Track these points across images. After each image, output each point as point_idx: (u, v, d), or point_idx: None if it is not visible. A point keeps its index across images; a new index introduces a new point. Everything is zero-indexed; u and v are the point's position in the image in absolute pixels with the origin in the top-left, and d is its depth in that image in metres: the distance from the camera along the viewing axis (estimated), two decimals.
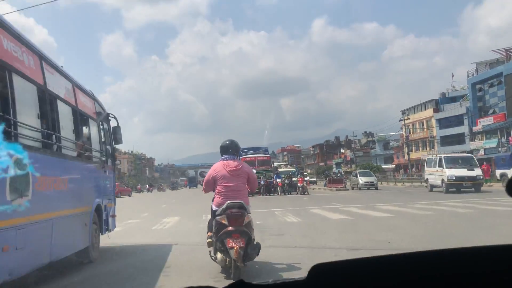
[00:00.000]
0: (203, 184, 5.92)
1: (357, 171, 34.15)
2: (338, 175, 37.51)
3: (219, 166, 5.73)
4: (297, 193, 28.13)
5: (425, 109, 58.87)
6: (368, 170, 37.45)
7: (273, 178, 29.73)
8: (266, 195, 27.41)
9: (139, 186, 74.17)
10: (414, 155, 55.52)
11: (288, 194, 28.25)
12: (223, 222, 5.32)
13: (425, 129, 57.94)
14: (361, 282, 0.93)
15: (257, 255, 5.45)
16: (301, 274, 1.01)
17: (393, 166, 64.69)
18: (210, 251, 5.72)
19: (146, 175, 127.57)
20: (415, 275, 0.93)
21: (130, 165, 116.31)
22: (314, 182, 44.92)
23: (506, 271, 0.91)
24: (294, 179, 29.53)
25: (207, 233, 5.80)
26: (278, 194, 28.20)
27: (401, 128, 63.19)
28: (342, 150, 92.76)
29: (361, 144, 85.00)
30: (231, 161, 5.72)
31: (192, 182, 70.32)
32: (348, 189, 31.47)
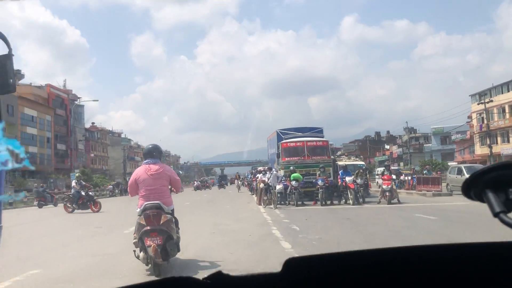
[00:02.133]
0: (128, 187, 6.26)
1: (462, 166, 22.98)
2: (425, 172, 26.55)
3: (141, 170, 6.04)
4: (378, 202, 17.42)
5: (507, 91, 46.19)
6: (474, 164, 27.10)
7: (334, 175, 18.98)
8: (328, 205, 17.20)
9: None
10: (493, 148, 44.03)
11: (363, 202, 17.48)
12: (142, 222, 5.61)
13: (507, 116, 46.23)
14: (334, 276, 0.94)
15: (178, 251, 5.95)
16: None
17: (456, 163, 53.73)
18: (135, 251, 5.81)
19: None
20: (393, 270, 0.95)
21: None
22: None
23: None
24: (359, 178, 18.03)
25: (134, 233, 5.94)
26: (345, 203, 17.51)
27: (469, 119, 51.95)
28: (387, 146, 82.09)
29: (403, 141, 73.95)
30: (152, 165, 6.00)
31: (224, 180, 60.32)
32: (451, 193, 20.88)
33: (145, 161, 6.11)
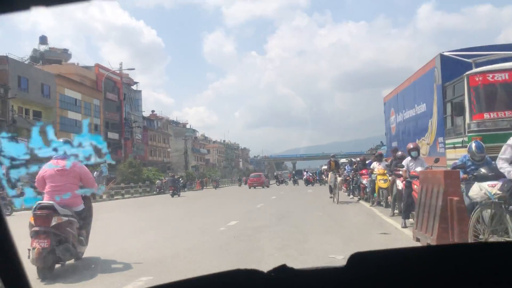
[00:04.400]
0: (36, 182, 5.71)
1: None
2: None
3: (48, 165, 5.59)
4: None
5: None
6: None
7: None
8: None
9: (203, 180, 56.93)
10: None
11: None
12: (31, 221, 5.32)
13: None
14: (398, 272, 0.94)
15: (71, 259, 5.61)
16: None
17: None
18: (29, 250, 5.19)
19: (240, 167, 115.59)
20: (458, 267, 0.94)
21: (220, 156, 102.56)
22: None
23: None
24: None
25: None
26: None
27: None
28: None
29: None
30: (60, 160, 5.53)
31: (298, 175, 50.09)
32: None
33: (54, 156, 5.39)
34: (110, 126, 49.68)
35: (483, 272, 0.94)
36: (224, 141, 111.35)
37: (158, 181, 35.81)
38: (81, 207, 5.77)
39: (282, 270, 0.92)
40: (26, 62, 41.07)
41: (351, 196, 18.17)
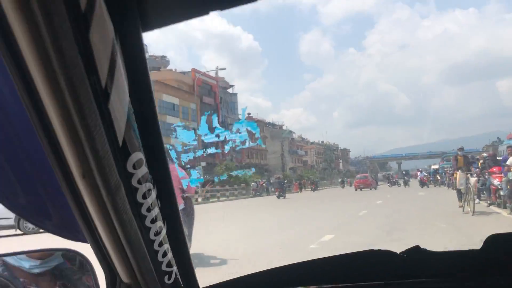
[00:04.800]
0: None
1: None
2: None
3: None
4: None
5: None
6: None
7: None
8: None
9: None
10: None
11: None
12: None
13: None
14: None
15: None
16: None
17: None
18: None
19: (340, 168, 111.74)
20: None
21: (318, 157, 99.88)
22: None
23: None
24: None
25: None
26: None
27: None
28: None
29: None
30: None
31: (407, 176, 46.23)
32: None
33: None
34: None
35: None
36: (322, 142, 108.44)
37: (253, 183, 34.62)
38: (181, 206, 5.90)
39: (416, 250, 0.92)
40: None
41: (477, 200, 14.72)
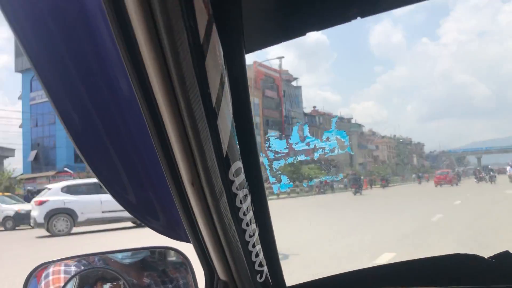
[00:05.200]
0: None
1: None
2: None
3: None
4: None
5: None
6: None
7: None
8: None
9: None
10: None
11: None
12: None
13: None
14: None
15: None
16: None
17: None
18: None
19: (414, 163, 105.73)
20: None
21: (390, 151, 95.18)
22: None
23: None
24: None
25: None
26: None
27: None
28: None
29: None
30: None
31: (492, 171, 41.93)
32: None
33: None
34: (270, 124, 48.78)
35: None
36: (394, 136, 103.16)
37: (316, 180, 32.56)
38: None
39: (506, 256, 0.90)
40: None
41: None
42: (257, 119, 46.16)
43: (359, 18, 0.85)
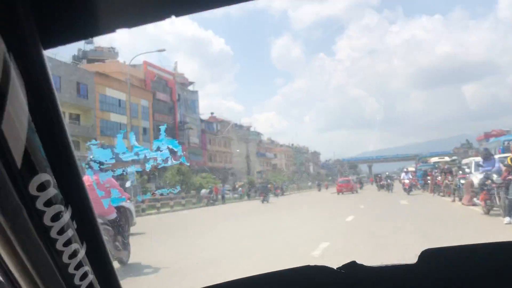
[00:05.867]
0: None
1: None
2: None
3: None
4: None
5: None
6: None
7: None
8: None
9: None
10: None
11: None
12: None
13: None
14: (468, 268, 0.94)
15: None
16: None
17: None
18: None
19: (310, 171, 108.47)
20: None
21: (288, 160, 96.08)
22: None
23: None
24: None
25: None
26: None
27: None
28: None
29: None
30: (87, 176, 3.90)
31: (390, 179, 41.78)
32: None
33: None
34: (161, 130, 45.10)
35: None
36: (292, 144, 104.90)
37: (203, 190, 29.58)
38: (112, 216, 6.38)
39: (352, 266, 0.91)
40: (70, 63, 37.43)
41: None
42: (145, 123, 42.18)
43: (173, 17, 0.81)
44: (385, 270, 0.95)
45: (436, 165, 27.99)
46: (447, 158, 35.47)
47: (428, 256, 0.92)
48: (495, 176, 10.50)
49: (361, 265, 0.93)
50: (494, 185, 10.43)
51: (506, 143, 25.94)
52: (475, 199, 13.80)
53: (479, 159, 21.16)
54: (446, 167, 21.83)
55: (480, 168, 11.89)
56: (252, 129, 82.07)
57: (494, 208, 10.95)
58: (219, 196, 29.42)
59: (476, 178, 14.71)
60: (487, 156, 12.06)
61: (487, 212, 10.95)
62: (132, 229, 8.91)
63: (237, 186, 49.25)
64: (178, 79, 51.18)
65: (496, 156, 19.84)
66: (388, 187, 31.36)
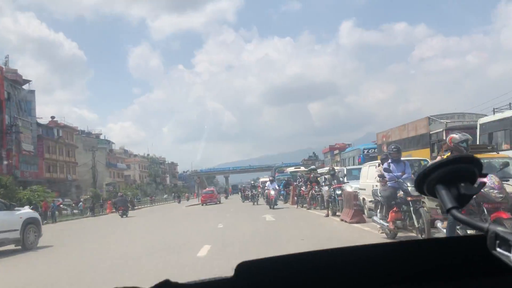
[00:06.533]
0: None
1: None
2: None
3: None
4: None
5: None
6: None
7: None
8: None
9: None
10: None
11: None
12: None
13: None
14: (287, 279, 0.93)
15: None
16: None
17: None
18: None
19: (167, 183, 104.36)
20: (339, 270, 0.94)
21: (142, 171, 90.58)
22: None
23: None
24: None
25: None
26: None
27: None
28: None
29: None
30: None
31: (235, 190, 43.77)
32: None
33: None
34: None
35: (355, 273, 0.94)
36: (148, 155, 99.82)
37: (24, 207, 24.29)
38: None
39: (165, 285, 0.87)
40: None
41: None
42: None
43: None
44: (199, 286, 0.89)
45: (299, 175, 25.82)
46: (303, 168, 35.97)
47: (244, 269, 0.89)
48: (409, 186, 7.57)
49: (175, 283, 0.86)
50: (409, 198, 7.68)
51: (365, 151, 25.55)
52: (365, 215, 11.70)
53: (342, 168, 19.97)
54: (311, 175, 18.93)
55: (387, 174, 7.95)
56: (102, 137, 75.49)
57: (407, 230, 8.33)
58: (49, 213, 24.56)
59: (351, 187, 13.03)
60: (395, 158, 8.37)
61: (394, 236, 8.23)
62: None
63: (82, 199, 43.72)
64: (9, 75, 43.66)
65: (352, 167, 18.17)
66: (253, 198, 29.93)
